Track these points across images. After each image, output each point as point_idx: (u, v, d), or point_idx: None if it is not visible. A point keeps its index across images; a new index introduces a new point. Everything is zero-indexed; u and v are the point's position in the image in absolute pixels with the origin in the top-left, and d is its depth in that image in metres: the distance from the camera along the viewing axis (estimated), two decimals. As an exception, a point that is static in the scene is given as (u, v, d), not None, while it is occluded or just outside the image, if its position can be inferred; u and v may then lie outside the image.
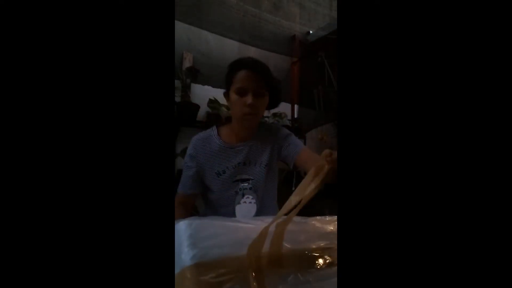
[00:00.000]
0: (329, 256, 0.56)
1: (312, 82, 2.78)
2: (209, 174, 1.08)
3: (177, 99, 2.12)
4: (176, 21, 2.21)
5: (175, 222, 0.52)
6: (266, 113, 2.44)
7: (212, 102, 2.26)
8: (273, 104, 1.11)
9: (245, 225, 0.57)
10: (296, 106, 2.87)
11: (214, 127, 1.16)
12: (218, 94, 2.33)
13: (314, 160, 1.02)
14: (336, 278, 0.48)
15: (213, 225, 0.53)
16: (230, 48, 2.55)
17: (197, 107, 2.17)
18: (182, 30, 2.28)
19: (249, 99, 0.99)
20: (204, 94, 2.29)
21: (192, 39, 2.36)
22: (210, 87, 2.36)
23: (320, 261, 0.54)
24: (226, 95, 1.09)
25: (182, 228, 0.50)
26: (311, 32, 2.96)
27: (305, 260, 0.53)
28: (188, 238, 0.48)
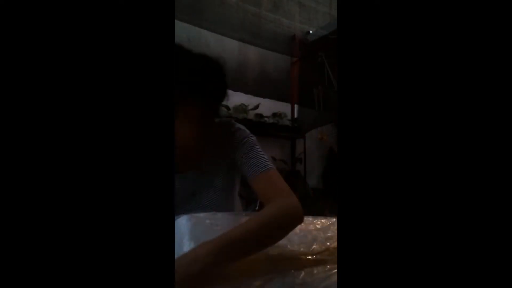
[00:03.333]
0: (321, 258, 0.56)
1: (312, 82, 2.78)
2: None
3: (177, 99, 2.11)
4: (176, 21, 2.20)
5: (180, 217, 0.54)
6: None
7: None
8: (218, 99, 0.71)
9: (240, 219, 0.59)
10: (296, 106, 2.87)
11: None
12: (218, 94, 2.33)
13: (276, 191, 0.69)
14: (328, 281, 0.49)
15: (210, 220, 0.56)
16: (230, 48, 2.54)
17: (197, 107, 2.16)
18: (182, 30, 2.28)
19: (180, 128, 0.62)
20: (204, 94, 2.28)
21: (192, 39, 2.35)
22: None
23: (312, 263, 0.55)
24: None
25: (183, 223, 0.52)
26: (311, 31, 2.96)
27: (295, 262, 0.54)
28: (189, 232, 0.51)
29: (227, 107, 2.31)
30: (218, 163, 0.78)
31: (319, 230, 0.64)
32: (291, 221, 0.61)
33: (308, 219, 0.67)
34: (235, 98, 2.43)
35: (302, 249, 0.55)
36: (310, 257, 0.56)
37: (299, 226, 0.63)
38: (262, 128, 2.46)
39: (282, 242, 0.57)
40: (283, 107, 2.74)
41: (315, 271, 0.52)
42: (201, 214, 0.56)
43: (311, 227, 0.66)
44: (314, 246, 0.59)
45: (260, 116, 2.48)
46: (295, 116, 2.85)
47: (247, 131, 0.80)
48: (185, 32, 2.31)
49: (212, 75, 0.66)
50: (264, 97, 2.63)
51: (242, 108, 2.40)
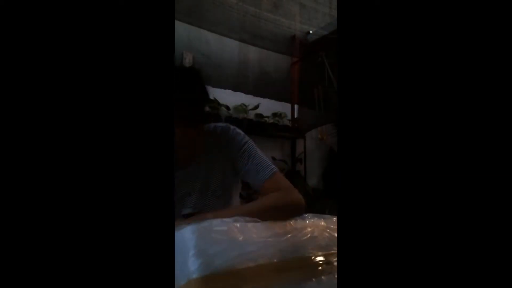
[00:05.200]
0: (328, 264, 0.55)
1: (312, 82, 2.78)
2: None
3: (177, 99, 2.12)
4: (176, 21, 2.21)
5: (181, 228, 0.51)
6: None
7: (212, 102, 2.26)
8: (197, 104, 0.74)
9: (245, 225, 0.56)
10: (296, 106, 2.87)
11: None
12: (218, 94, 2.33)
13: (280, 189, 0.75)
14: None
15: (217, 230, 0.52)
16: (230, 48, 2.55)
17: (197, 107, 2.16)
18: (182, 30, 2.28)
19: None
20: (204, 94, 2.28)
21: (192, 39, 2.36)
22: (210, 87, 2.36)
23: (320, 269, 0.53)
24: None
25: (187, 235, 0.49)
26: (311, 31, 2.96)
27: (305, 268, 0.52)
28: (194, 246, 0.47)
29: (227, 107, 2.31)
30: (215, 166, 0.81)
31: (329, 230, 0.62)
32: (290, 210, 0.68)
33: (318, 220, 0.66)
34: (235, 98, 2.43)
35: (312, 255, 0.53)
36: (319, 267, 0.54)
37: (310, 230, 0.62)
38: (262, 128, 2.46)
39: (291, 249, 0.56)
40: (283, 107, 2.74)
41: (323, 278, 0.51)
42: (206, 223, 0.52)
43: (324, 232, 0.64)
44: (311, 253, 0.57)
45: (260, 116, 2.48)
46: (295, 116, 2.85)
47: (245, 135, 0.82)
48: (185, 33, 2.31)
49: (188, 85, 0.72)
50: (264, 97, 2.63)
51: (242, 108, 2.40)
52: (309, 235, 0.60)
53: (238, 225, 0.54)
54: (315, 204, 2.34)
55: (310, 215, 0.69)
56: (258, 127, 2.43)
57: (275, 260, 0.51)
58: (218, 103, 2.27)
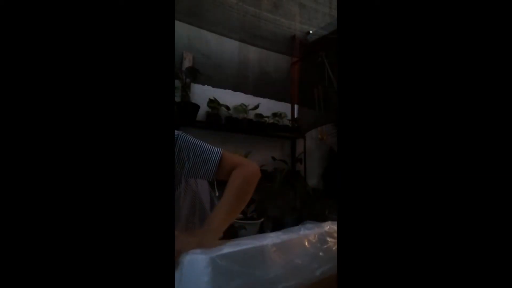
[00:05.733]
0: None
1: (312, 82, 2.78)
2: None
3: (177, 99, 2.12)
4: (176, 21, 2.21)
5: (193, 254, 0.46)
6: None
7: (212, 102, 2.26)
8: None
9: (265, 249, 0.51)
10: (296, 106, 2.87)
11: None
12: (218, 94, 2.33)
13: (234, 166, 0.75)
14: None
15: (234, 260, 0.46)
16: (230, 48, 2.54)
17: (197, 107, 2.17)
18: (182, 30, 2.28)
19: None
20: (204, 94, 2.29)
21: (192, 39, 2.35)
22: (210, 87, 2.36)
23: None
24: None
25: (200, 268, 0.44)
26: (311, 31, 2.96)
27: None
28: (209, 282, 0.43)
29: (227, 107, 2.31)
30: None
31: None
32: (252, 180, 0.72)
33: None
34: (235, 98, 2.43)
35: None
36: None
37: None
38: (262, 128, 2.46)
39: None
40: (283, 107, 2.74)
41: None
42: (220, 252, 0.46)
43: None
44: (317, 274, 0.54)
45: (260, 116, 2.48)
46: (295, 116, 2.84)
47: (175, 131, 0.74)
48: (185, 33, 2.31)
49: None
50: (264, 97, 2.63)
51: (242, 108, 2.40)
52: (331, 251, 0.57)
53: (256, 252, 0.49)
54: (315, 204, 2.34)
55: (329, 222, 0.67)
56: (258, 127, 2.43)
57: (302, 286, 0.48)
58: (218, 103, 2.27)
